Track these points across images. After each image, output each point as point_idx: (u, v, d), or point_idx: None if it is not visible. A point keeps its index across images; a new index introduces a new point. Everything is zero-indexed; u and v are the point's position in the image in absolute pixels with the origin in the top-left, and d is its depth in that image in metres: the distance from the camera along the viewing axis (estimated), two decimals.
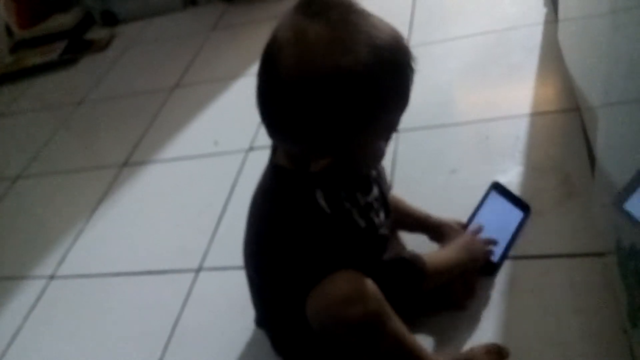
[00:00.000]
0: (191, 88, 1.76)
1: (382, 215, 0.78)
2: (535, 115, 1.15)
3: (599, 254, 0.84)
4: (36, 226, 1.42)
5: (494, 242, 0.88)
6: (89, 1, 2.35)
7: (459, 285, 0.85)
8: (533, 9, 1.46)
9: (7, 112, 2.05)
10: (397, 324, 0.70)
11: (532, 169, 1.04)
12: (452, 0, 1.70)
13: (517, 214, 0.94)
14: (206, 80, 1.76)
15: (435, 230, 0.91)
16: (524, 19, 1.44)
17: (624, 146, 0.71)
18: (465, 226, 0.91)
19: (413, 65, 0.64)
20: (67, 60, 2.18)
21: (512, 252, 0.90)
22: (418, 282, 0.77)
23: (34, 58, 2.25)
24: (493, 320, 0.82)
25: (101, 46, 2.22)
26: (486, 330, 0.81)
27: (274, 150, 0.74)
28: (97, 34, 2.35)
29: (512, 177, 1.03)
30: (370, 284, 0.67)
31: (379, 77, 0.61)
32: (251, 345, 0.90)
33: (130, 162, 1.50)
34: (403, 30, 1.59)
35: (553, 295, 0.82)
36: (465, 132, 1.20)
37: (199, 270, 1.09)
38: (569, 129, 1.08)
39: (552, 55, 1.26)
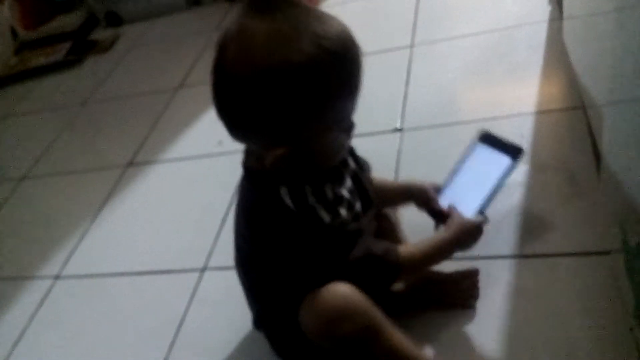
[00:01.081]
0: (195, 88, 1.76)
1: (357, 206, 0.76)
2: (540, 113, 1.15)
3: (605, 253, 0.84)
4: (41, 226, 1.43)
5: (485, 221, 0.81)
6: (93, 2, 2.36)
7: (464, 285, 0.85)
8: (537, 6, 1.45)
9: (12, 112, 2.06)
10: (390, 334, 0.70)
11: (538, 167, 1.03)
12: (455, 2, 1.69)
13: (503, 162, 0.84)
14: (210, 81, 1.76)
15: (417, 195, 0.87)
16: (528, 17, 1.44)
17: (630, 144, 0.71)
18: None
19: (360, 56, 0.65)
20: (71, 61, 2.19)
21: (517, 252, 0.90)
22: (391, 277, 0.74)
23: (39, 59, 2.25)
24: (497, 320, 0.82)
25: (105, 47, 2.22)
26: (490, 329, 0.81)
27: (246, 153, 0.75)
28: (101, 34, 2.35)
29: (517, 175, 1.02)
30: (358, 298, 0.68)
31: (323, 67, 0.62)
32: (256, 344, 0.90)
33: (134, 163, 1.51)
34: (407, 29, 1.60)
35: (558, 294, 0.82)
36: (470, 131, 1.19)
37: (203, 269, 1.10)
38: (574, 127, 1.08)
39: (556, 53, 1.26)
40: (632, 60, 0.67)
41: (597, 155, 0.95)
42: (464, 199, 0.83)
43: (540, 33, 1.36)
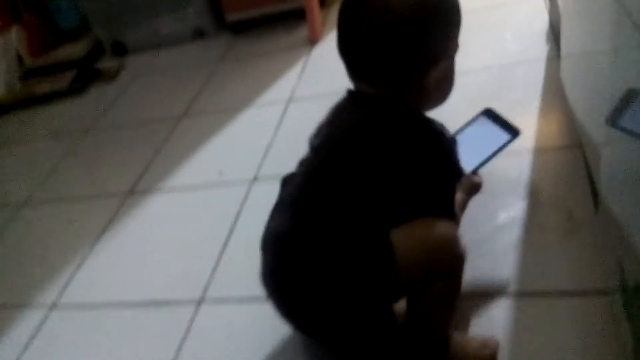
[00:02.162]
0: (198, 118, 1.78)
1: None
2: (538, 151, 1.16)
3: (604, 292, 0.83)
4: (39, 253, 1.42)
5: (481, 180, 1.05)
6: (100, 31, 2.40)
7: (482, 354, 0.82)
8: (535, 45, 1.48)
9: (15, 139, 2.08)
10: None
11: (536, 204, 1.04)
12: None
13: (502, 136, 0.98)
14: (213, 110, 1.79)
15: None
16: (526, 54, 1.46)
17: (627, 184, 0.72)
18: None
19: None
20: (76, 89, 2.22)
21: (515, 289, 0.89)
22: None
23: (44, 86, 2.28)
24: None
25: (110, 76, 2.25)
26: None
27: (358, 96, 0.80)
28: (107, 63, 2.39)
29: (516, 212, 1.03)
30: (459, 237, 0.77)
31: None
32: None
33: (135, 191, 1.51)
34: None
35: (556, 332, 0.82)
36: None
37: (200, 301, 1.09)
38: (572, 165, 1.09)
39: (554, 91, 1.28)
40: (627, 100, 0.68)
41: (595, 194, 0.96)
42: (462, 157, 0.90)
43: (538, 71, 1.38)
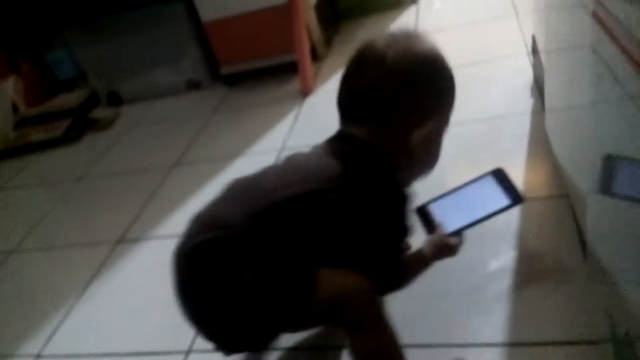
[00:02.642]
0: (191, 167, 1.80)
1: None
2: (527, 200, 1.17)
3: (595, 342, 0.83)
4: (25, 302, 1.40)
5: (461, 242, 0.94)
6: (96, 82, 2.45)
7: None
8: (520, 99, 1.53)
9: (6, 186, 2.08)
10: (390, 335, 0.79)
11: (526, 253, 1.05)
12: None
13: (502, 201, 0.92)
14: (205, 160, 1.80)
15: None
16: (512, 108, 1.51)
17: (613, 234, 0.73)
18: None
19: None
20: (70, 137, 2.24)
21: (506, 339, 0.89)
22: (398, 282, 0.86)
23: (38, 134, 2.31)
24: None
25: (105, 125, 2.28)
26: None
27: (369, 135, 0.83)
28: (102, 113, 2.42)
29: (505, 261, 1.04)
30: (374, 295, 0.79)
31: (446, 66, 0.84)
32: None
33: (125, 239, 1.51)
34: None
35: None
36: None
37: (188, 352, 1.07)
38: (560, 214, 1.10)
39: (540, 143, 1.31)
40: (610, 151, 0.70)
41: (583, 243, 0.97)
42: (452, 215, 0.93)
43: (524, 123, 1.42)
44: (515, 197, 0.92)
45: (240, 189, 0.87)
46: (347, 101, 0.84)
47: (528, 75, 1.61)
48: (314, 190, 0.78)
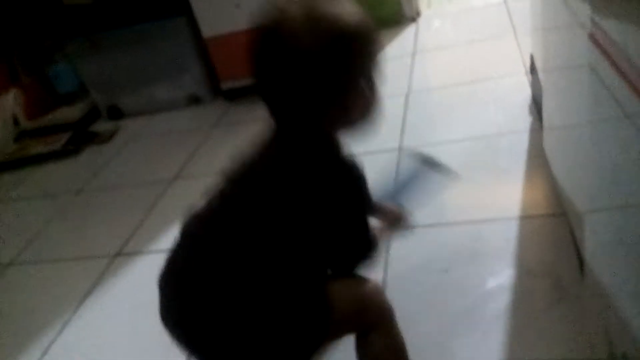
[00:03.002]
0: (189, 181, 1.80)
1: None
2: (525, 218, 1.18)
3: None
4: (23, 315, 1.39)
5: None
6: (97, 96, 2.46)
7: None
8: (519, 117, 1.54)
9: (5, 198, 2.07)
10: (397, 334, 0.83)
11: (523, 271, 1.05)
12: (441, 107, 1.79)
13: (428, 172, 0.99)
14: (204, 174, 1.81)
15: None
16: (511, 126, 1.52)
17: (610, 251, 0.73)
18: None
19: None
20: (69, 150, 2.24)
21: (504, 358, 0.89)
22: (372, 255, 0.83)
23: (38, 147, 2.31)
24: None
25: (104, 139, 2.29)
26: None
27: (292, 128, 0.78)
28: (102, 126, 2.43)
29: (504, 279, 1.04)
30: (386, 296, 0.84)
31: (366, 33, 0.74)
32: None
33: (123, 253, 1.50)
34: (395, 133, 1.67)
35: None
36: (457, 233, 1.22)
37: None
38: (558, 232, 1.10)
39: (538, 161, 1.32)
40: (607, 171, 0.70)
41: (581, 261, 0.97)
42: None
43: (522, 142, 1.43)
44: (436, 164, 0.99)
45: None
46: (271, 89, 0.77)
47: (526, 93, 1.62)
48: (267, 188, 0.77)
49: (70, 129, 2.37)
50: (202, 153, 1.96)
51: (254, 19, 0.75)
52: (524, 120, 1.52)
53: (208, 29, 2.15)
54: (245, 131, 2.04)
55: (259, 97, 0.78)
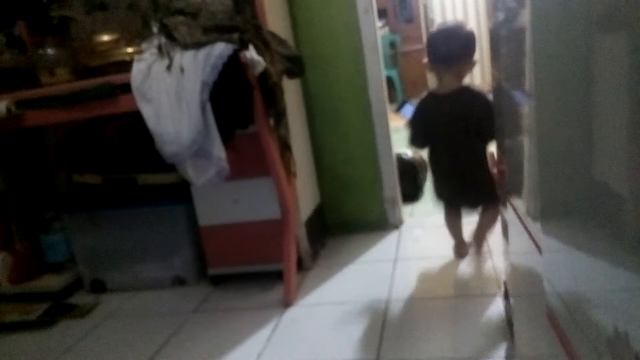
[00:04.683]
0: None
1: None
2: None
3: None
4: None
5: None
6: (83, 268, 2.49)
7: None
8: (494, 343, 1.58)
9: None
10: None
11: None
12: (421, 320, 1.84)
13: None
14: None
15: None
16: (485, 351, 1.56)
17: None
18: None
19: None
20: (44, 322, 2.21)
21: None
22: None
23: (12, 315, 2.28)
24: None
25: (82, 312, 2.27)
26: None
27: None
28: (82, 299, 2.43)
29: None
30: None
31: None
32: None
33: None
34: (373, 342, 1.69)
35: None
36: None
37: None
38: None
39: None
40: None
41: None
42: None
43: None
44: None
45: None
46: (444, 57, 1.95)
47: (501, 317, 1.69)
48: None
49: (50, 299, 2.37)
50: (177, 341, 1.95)
51: (432, 30, 2.16)
52: (499, 346, 1.56)
53: (205, 219, 2.29)
54: (224, 321, 2.06)
55: (438, 64, 1.98)
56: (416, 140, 2.07)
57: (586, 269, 0.65)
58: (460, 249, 2.16)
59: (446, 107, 1.92)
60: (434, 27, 2.44)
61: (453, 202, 2.09)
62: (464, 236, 2.18)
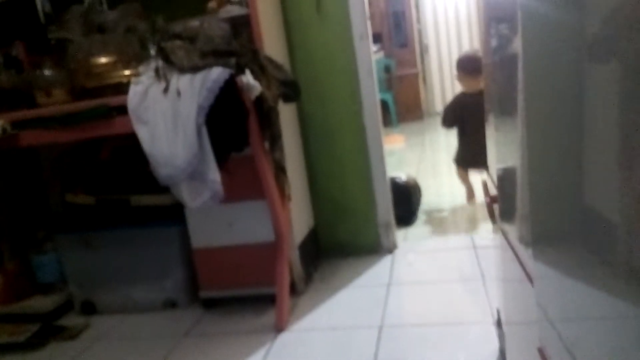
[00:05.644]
0: None
1: None
2: None
3: None
4: None
5: None
6: (74, 289, 2.47)
7: None
8: None
9: None
10: None
11: None
12: (414, 347, 1.82)
13: None
14: None
15: None
16: None
17: None
18: None
19: None
20: (33, 343, 2.18)
21: None
22: None
23: (1, 336, 2.24)
24: None
25: (72, 334, 2.24)
26: None
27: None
28: (73, 320, 2.40)
29: None
30: None
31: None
32: None
33: None
34: None
35: None
36: None
37: None
38: None
39: None
40: None
41: None
42: None
43: None
44: None
45: None
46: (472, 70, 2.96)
47: (494, 346, 1.68)
48: None
49: (40, 320, 2.34)
50: None
51: (460, 56, 3.37)
52: None
53: (198, 241, 2.28)
54: (214, 346, 2.03)
55: (466, 75, 3.10)
56: (446, 122, 3.19)
57: (577, 297, 0.65)
58: (470, 194, 3.23)
59: (472, 101, 2.94)
60: (461, 54, 3.62)
61: (470, 165, 3.13)
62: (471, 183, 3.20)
